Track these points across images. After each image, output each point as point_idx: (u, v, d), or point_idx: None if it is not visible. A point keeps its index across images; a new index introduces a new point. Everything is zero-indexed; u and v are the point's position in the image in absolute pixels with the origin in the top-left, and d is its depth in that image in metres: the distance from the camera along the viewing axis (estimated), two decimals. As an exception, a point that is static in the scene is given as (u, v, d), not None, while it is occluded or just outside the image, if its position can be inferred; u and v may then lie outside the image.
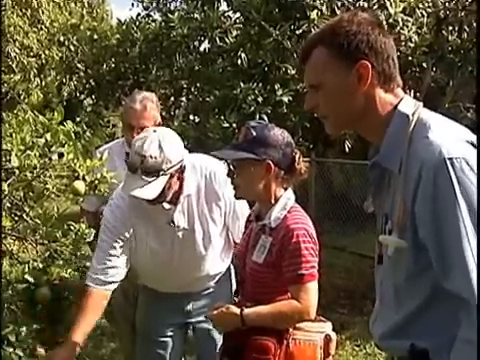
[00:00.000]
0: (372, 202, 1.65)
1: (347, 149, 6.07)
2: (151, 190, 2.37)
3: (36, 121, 2.33)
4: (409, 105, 1.53)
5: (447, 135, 1.43)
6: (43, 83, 10.70)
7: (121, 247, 2.57)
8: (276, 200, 2.31)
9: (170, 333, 2.82)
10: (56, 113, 2.33)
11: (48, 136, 2.46)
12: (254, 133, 2.26)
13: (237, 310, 2.25)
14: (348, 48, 1.51)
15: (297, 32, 5.43)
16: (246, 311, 2.24)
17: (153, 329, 2.83)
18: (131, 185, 2.39)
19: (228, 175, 2.42)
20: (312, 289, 2.23)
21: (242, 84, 5.67)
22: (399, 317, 1.53)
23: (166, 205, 2.54)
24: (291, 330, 2.25)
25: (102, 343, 4.89)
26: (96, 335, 4.71)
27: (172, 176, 2.45)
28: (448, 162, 1.36)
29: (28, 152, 2.52)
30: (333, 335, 2.32)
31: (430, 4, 5.15)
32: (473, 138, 1.45)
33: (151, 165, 2.36)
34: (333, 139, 6.40)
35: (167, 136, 2.46)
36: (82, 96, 8.26)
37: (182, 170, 2.51)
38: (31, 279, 2.38)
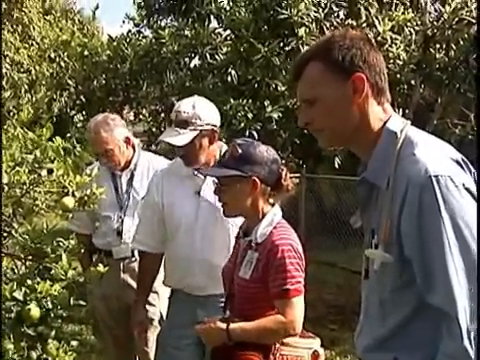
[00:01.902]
0: (360, 217, 1.67)
1: (337, 165, 6.10)
2: (180, 139, 2.71)
3: (25, 137, 2.33)
4: (397, 122, 1.56)
5: (433, 153, 1.46)
6: (34, 99, 10.70)
7: (155, 215, 2.92)
8: (263, 216, 2.33)
9: (186, 346, 2.84)
10: (45, 129, 2.33)
11: (37, 152, 2.46)
12: (240, 150, 2.30)
13: (223, 325, 2.27)
14: (343, 61, 1.54)
15: (286, 49, 5.47)
16: (232, 326, 2.26)
17: (170, 339, 2.89)
18: (165, 135, 2.82)
19: (215, 192, 2.43)
20: (297, 304, 2.24)
21: (232, 100, 5.70)
22: (383, 330, 1.55)
23: (200, 176, 2.81)
24: (278, 346, 2.26)
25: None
26: (85, 351, 4.67)
27: (203, 135, 2.74)
28: (434, 179, 1.39)
29: (17, 168, 2.52)
30: (321, 351, 2.33)
31: (418, 22, 5.21)
32: (458, 156, 1.49)
33: (183, 118, 2.71)
34: (323, 155, 6.43)
35: (203, 101, 2.86)
36: (72, 112, 8.25)
37: (214, 134, 2.79)
38: (20, 297, 2.36)
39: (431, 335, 1.44)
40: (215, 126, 2.81)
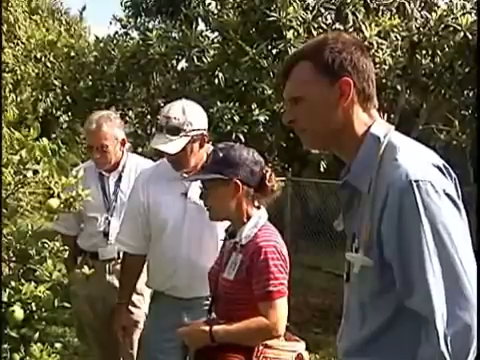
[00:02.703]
0: (342, 221, 1.68)
1: (323, 169, 6.12)
2: (173, 146, 2.70)
3: (12, 137, 2.31)
4: (381, 128, 1.56)
5: (415, 158, 1.47)
6: (19, 99, 10.60)
7: (140, 216, 2.89)
8: (248, 218, 2.35)
9: (169, 349, 2.78)
10: (32, 129, 2.32)
11: (23, 152, 2.44)
12: (220, 154, 2.33)
13: (206, 327, 2.28)
14: (332, 64, 1.54)
15: (273, 51, 5.48)
16: (215, 328, 2.26)
17: (153, 343, 2.87)
18: (156, 142, 2.76)
19: (201, 197, 2.45)
20: (280, 306, 2.25)
21: (219, 103, 5.70)
22: (363, 334, 1.55)
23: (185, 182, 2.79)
24: (262, 348, 2.26)
25: (75, 363, 4.81)
26: (68, 354, 4.64)
27: (194, 140, 2.74)
28: (414, 184, 1.40)
29: (3, 169, 2.50)
30: (306, 354, 2.33)
31: (404, 28, 5.26)
32: (440, 162, 1.50)
33: (174, 125, 2.69)
34: (308, 159, 6.45)
35: (191, 104, 2.83)
36: (58, 113, 8.20)
37: (204, 138, 2.78)
38: (4, 298, 2.34)
39: (410, 339, 1.44)
40: (205, 130, 2.81)
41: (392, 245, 1.43)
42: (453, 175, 1.51)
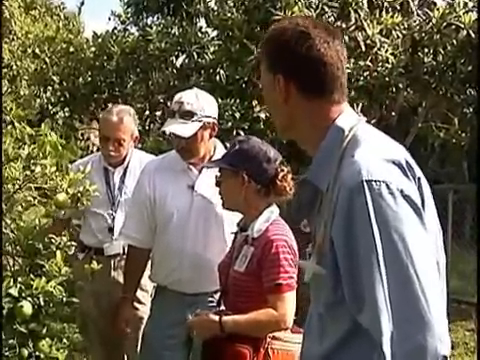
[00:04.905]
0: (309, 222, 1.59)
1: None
2: (186, 129, 2.69)
3: (23, 132, 2.30)
4: (348, 120, 1.43)
5: (374, 155, 1.33)
6: (15, 95, 10.53)
7: (146, 209, 2.88)
8: (260, 213, 2.38)
9: (173, 346, 2.82)
10: (44, 124, 2.32)
11: (34, 147, 2.44)
12: (237, 146, 2.39)
13: (216, 317, 2.32)
14: (270, 60, 1.49)
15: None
16: (225, 318, 2.31)
17: (156, 339, 2.86)
18: (169, 125, 2.76)
19: (216, 184, 2.52)
20: (289, 299, 2.29)
21: (220, 100, 5.69)
22: (323, 348, 1.41)
23: (194, 170, 2.81)
24: (269, 340, 2.30)
25: (73, 359, 4.79)
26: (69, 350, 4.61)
27: (205, 128, 2.73)
28: (366, 184, 1.26)
29: (12, 164, 2.50)
30: (311, 347, 2.35)
31: (406, 26, 5.27)
32: (403, 159, 1.35)
33: (187, 109, 2.70)
34: (305, 156, 6.45)
35: (204, 92, 2.86)
36: (56, 108, 8.16)
37: (214, 127, 2.78)
38: (15, 293, 2.33)
39: (369, 355, 1.27)
40: (215, 119, 2.81)
41: (341, 253, 1.29)
42: (417, 174, 1.36)
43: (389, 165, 1.31)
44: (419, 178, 1.35)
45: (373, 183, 1.26)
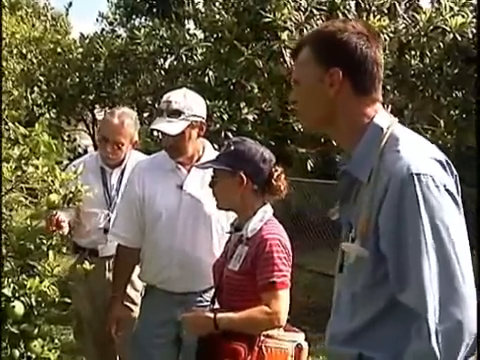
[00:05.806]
0: (338, 210, 1.67)
1: (310, 168, 6.16)
2: (173, 127, 2.72)
3: (16, 132, 2.31)
4: (385, 119, 1.55)
5: (417, 151, 1.47)
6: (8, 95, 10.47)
7: (135, 208, 2.88)
8: (254, 212, 2.40)
9: (161, 345, 2.82)
10: (38, 125, 2.32)
11: (23, 148, 2.44)
12: (232, 147, 2.41)
13: (211, 314, 2.33)
14: (326, 53, 1.56)
15: (268, 52, 5.50)
16: (219, 315, 2.32)
17: (144, 338, 2.85)
18: (157, 124, 2.79)
19: (210, 184, 2.52)
20: (283, 296, 2.31)
21: (208, 101, 5.70)
22: (352, 325, 1.53)
23: (182, 170, 2.83)
24: (263, 338, 2.31)
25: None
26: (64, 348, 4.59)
27: (193, 126, 2.75)
28: (415, 177, 1.39)
29: (3, 164, 2.50)
30: (305, 345, 2.39)
31: (393, 29, 5.32)
32: (442, 157, 1.49)
33: (174, 108, 2.73)
34: (293, 158, 6.49)
35: (192, 92, 2.88)
36: (43, 109, 8.14)
37: (202, 126, 2.80)
38: (8, 293, 2.33)
39: (399, 334, 1.43)
40: (203, 119, 2.82)
41: (389, 238, 1.42)
42: (454, 172, 1.51)
43: (432, 161, 1.45)
44: (456, 175, 1.51)
45: (422, 176, 1.39)
